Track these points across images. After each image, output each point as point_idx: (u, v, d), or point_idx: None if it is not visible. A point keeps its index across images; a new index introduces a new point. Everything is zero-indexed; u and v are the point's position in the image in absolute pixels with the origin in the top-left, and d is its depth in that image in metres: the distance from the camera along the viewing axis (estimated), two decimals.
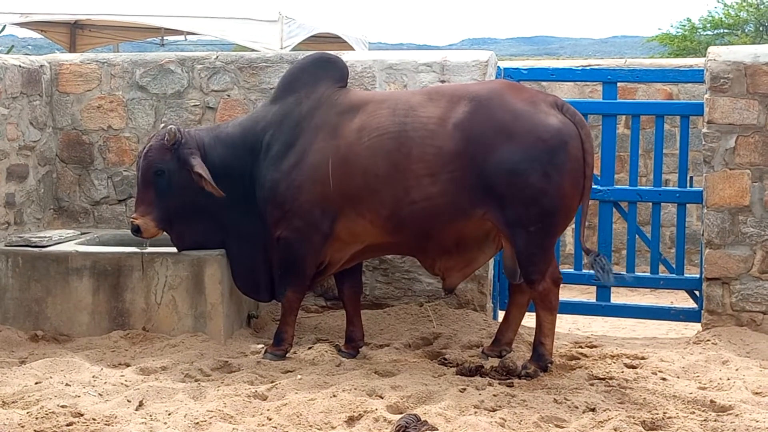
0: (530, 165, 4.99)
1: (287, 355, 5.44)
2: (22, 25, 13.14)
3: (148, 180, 5.43)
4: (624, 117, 8.29)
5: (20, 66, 6.42)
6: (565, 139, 5.05)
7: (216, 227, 5.56)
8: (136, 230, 5.49)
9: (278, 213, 5.32)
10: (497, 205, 5.06)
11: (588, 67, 7.72)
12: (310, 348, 5.61)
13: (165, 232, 5.60)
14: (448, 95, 5.24)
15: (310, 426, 4.31)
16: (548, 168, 5.00)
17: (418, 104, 5.22)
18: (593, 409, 4.50)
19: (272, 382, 4.94)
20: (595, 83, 8.45)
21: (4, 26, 13.04)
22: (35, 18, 12.50)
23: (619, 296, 7.02)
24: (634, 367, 5.30)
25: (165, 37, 15.35)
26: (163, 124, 5.65)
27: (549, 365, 5.15)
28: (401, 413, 4.41)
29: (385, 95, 5.52)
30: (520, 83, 5.76)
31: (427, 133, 5.12)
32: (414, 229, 5.21)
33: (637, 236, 6.46)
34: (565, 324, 6.80)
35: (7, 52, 13.04)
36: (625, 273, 6.41)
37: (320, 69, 5.52)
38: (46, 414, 4.37)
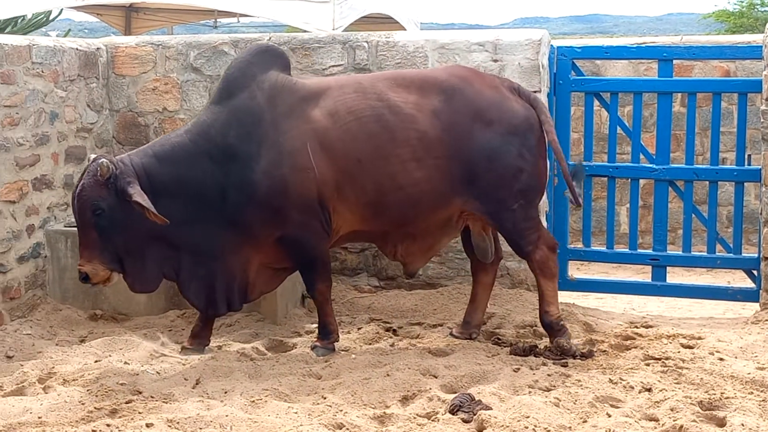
0: (507, 148, 5.10)
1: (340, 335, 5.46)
2: (78, 8, 13.26)
3: (88, 221, 4.89)
4: (680, 95, 8.17)
5: (77, 49, 6.49)
6: (531, 122, 5.20)
7: (169, 250, 5.05)
8: (85, 278, 4.96)
9: (266, 213, 4.97)
10: (477, 194, 5.08)
11: (643, 45, 7.63)
12: (363, 328, 5.63)
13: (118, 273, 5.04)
14: (417, 83, 5.16)
15: (365, 405, 4.34)
16: (522, 150, 5.13)
17: (387, 89, 5.10)
18: (649, 390, 4.47)
19: (327, 361, 4.98)
20: (650, 61, 8.33)
21: (61, 10, 13.19)
22: (91, 2, 12.57)
23: (675, 276, 6.94)
24: (690, 347, 5.23)
25: (218, 20, 15.41)
26: (92, 158, 5.02)
27: (562, 327, 5.19)
28: (455, 393, 4.43)
29: (342, 80, 5.28)
30: (475, 68, 5.77)
31: (407, 116, 5.05)
32: (393, 217, 5.09)
33: (693, 215, 6.39)
34: (620, 304, 6.75)
35: (64, 36, 13.20)
36: (680, 252, 6.38)
37: (266, 59, 5.16)
38: (106, 392, 4.45)
